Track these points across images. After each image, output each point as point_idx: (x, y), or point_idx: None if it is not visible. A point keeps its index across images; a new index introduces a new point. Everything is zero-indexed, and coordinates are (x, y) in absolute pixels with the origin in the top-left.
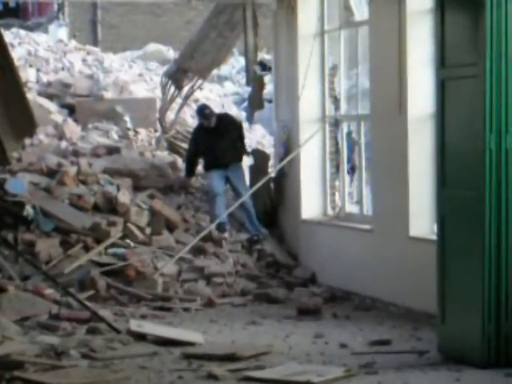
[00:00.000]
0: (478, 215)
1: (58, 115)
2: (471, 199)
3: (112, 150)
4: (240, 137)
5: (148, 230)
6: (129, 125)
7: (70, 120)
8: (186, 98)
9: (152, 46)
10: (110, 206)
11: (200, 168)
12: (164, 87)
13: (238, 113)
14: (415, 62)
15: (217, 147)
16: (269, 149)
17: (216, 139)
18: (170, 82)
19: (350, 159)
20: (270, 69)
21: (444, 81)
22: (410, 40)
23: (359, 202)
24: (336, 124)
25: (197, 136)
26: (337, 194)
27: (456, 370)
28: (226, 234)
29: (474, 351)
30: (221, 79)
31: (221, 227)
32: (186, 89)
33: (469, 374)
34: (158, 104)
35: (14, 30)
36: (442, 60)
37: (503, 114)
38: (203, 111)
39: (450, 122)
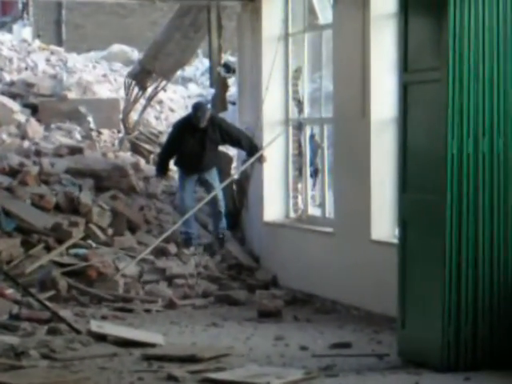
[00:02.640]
0: (440, 219)
1: (20, 115)
2: (433, 203)
3: (75, 151)
4: (230, 138)
5: (110, 231)
6: (92, 125)
7: (32, 120)
8: (150, 99)
9: (116, 47)
10: (71, 207)
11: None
12: (128, 88)
13: None
14: (378, 66)
15: (200, 150)
16: (232, 151)
17: (201, 141)
18: (133, 82)
19: (312, 162)
20: (234, 71)
21: (407, 85)
22: (374, 44)
23: (321, 205)
24: (299, 127)
25: (181, 131)
26: (299, 196)
27: (415, 373)
28: (191, 250)
29: (434, 355)
30: (185, 81)
31: (188, 242)
32: (149, 90)
33: (428, 377)
34: (122, 105)
35: None
36: (405, 64)
37: (465, 118)
38: (196, 112)
39: (413, 126)
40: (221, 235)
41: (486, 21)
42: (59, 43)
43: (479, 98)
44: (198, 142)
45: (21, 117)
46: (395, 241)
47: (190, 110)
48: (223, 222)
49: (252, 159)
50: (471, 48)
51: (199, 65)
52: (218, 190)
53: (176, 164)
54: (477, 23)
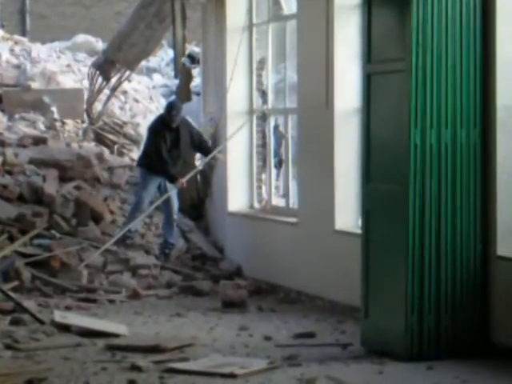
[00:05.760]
0: (403, 210)
1: None
2: (396, 193)
3: (38, 141)
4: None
5: (74, 221)
6: (56, 115)
7: None
8: (114, 89)
9: (81, 37)
10: (35, 197)
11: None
12: (92, 78)
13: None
14: (342, 56)
15: (176, 152)
16: None
17: (176, 142)
18: (97, 72)
19: (277, 153)
20: (198, 61)
21: (370, 76)
22: (338, 35)
23: (285, 196)
24: (263, 117)
25: (158, 130)
26: (263, 187)
27: (379, 362)
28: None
29: (397, 344)
30: (149, 71)
31: (128, 242)
32: (113, 80)
33: (391, 366)
34: (86, 95)
35: None
36: (369, 55)
37: (428, 109)
38: (171, 110)
39: (376, 116)
40: (167, 250)
41: (448, 11)
42: (23, 33)
43: (442, 89)
44: (173, 143)
45: None
46: (359, 231)
47: (153, 100)
48: (175, 234)
49: (217, 149)
50: (434, 39)
51: (164, 55)
52: (175, 201)
53: (142, 164)
54: (440, 14)
